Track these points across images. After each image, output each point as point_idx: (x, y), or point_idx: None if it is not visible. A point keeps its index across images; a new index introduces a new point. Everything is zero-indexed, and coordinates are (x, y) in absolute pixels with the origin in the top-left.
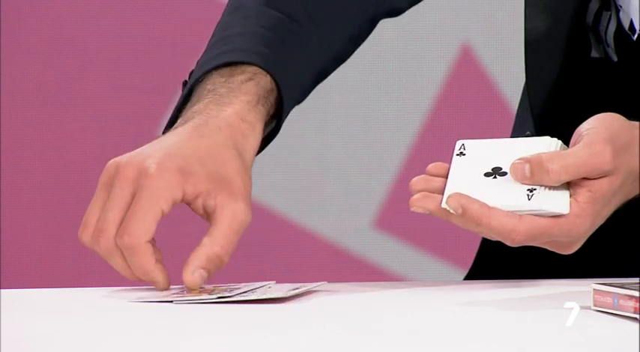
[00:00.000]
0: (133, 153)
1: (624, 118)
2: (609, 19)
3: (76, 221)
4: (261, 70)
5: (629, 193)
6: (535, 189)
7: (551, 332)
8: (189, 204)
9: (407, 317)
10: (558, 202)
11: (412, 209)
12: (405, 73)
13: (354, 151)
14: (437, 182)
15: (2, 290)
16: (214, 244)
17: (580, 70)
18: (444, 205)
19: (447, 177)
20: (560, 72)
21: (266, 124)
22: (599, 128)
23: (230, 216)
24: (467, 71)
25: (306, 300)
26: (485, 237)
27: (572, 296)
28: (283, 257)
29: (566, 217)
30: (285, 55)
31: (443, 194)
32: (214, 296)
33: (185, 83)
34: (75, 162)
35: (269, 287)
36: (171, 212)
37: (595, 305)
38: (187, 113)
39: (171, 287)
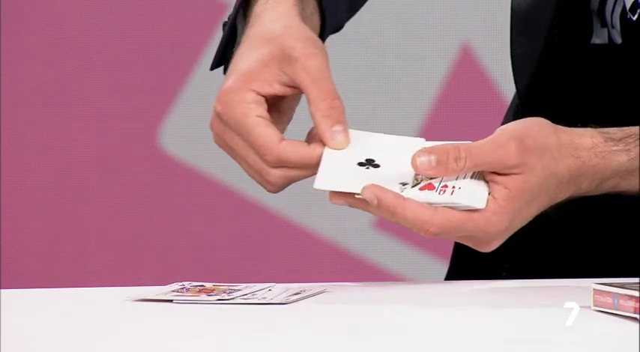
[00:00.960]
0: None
1: (548, 122)
2: (615, 1)
3: (76, 221)
4: None
5: (555, 197)
6: (459, 187)
7: (551, 332)
8: (270, 95)
9: (407, 317)
10: (474, 197)
11: (332, 201)
12: (405, 73)
13: None
14: None
15: (2, 290)
16: (319, 105)
17: (566, 56)
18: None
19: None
20: (544, 54)
21: None
22: (510, 128)
23: (304, 72)
24: (467, 71)
25: (306, 300)
26: (401, 226)
27: (572, 296)
28: (283, 257)
29: (482, 213)
30: None
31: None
32: (214, 298)
33: (225, 24)
34: (75, 162)
35: (269, 290)
36: (172, 211)
37: (595, 305)
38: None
39: (171, 285)
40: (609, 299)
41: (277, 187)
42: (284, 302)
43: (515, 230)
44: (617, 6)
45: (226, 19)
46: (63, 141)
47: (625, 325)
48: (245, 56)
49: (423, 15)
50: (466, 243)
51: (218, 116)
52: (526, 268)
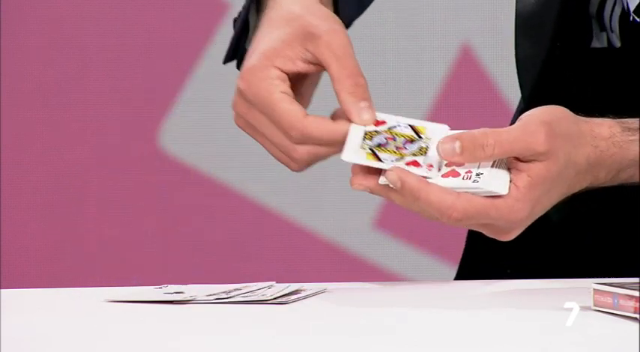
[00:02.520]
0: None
1: (569, 111)
2: (614, 4)
3: (76, 221)
4: None
5: (573, 186)
6: (482, 173)
7: (551, 332)
8: (293, 73)
9: (407, 317)
10: (498, 183)
11: (353, 187)
12: (405, 73)
13: None
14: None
15: (2, 290)
16: (342, 82)
17: (569, 59)
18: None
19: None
20: (548, 56)
21: None
22: (537, 113)
23: (328, 51)
24: (467, 71)
25: (306, 300)
26: (423, 215)
27: (572, 296)
28: (283, 257)
29: (505, 200)
30: None
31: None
32: (212, 297)
33: (235, 20)
34: (75, 162)
35: (269, 288)
36: (172, 211)
37: (595, 305)
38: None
39: (169, 286)
40: (609, 299)
41: (301, 164)
42: (284, 302)
43: (535, 218)
44: (615, 9)
45: (236, 16)
46: (63, 141)
47: (625, 325)
48: (267, 36)
49: (423, 15)
50: (486, 232)
51: (241, 94)
52: (526, 268)
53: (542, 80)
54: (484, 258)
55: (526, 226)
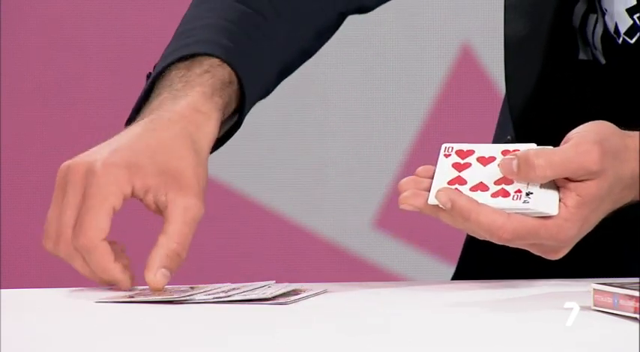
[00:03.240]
0: (84, 153)
1: (615, 126)
2: (596, 21)
3: None
4: (220, 62)
5: (617, 201)
6: (532, 193)
7: (551, 332)
8: (141, 199)
9: (406, 317)
10: (547, 203)
11: (401, 207)
12: (405, 73)
13: (354, 151)
14: (426, 183)
15: (2, 290)
16: (170, 242)
17: (563, 73)
18: (430, 201)
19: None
20: (540, 77)
21: (227, 118)
22: (588, 131)
23: (182, 212)
24: (467, 71)
25: (306, 300)
26: (472, 234)
27: (572, 296)
28: (283, 257)
29: (555, 220)
30: (248, 48)
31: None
32: (211, 296)
33: (149, 76)
34: None
35: (268, 287)
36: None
37: (595, 305)
38: (145, 111)
39: (167, 287)
40: (609, 299)
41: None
42: (284, 302)
43: (583, 235)
44: (597, 28)
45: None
46: (63, 141)
47: (625, 325)
48: (147, 138)
49: (423, 15)
50: (534, 251)
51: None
52: (526, 268)
53: (533, 93)
54: (482, 257)
55: (574, 243)
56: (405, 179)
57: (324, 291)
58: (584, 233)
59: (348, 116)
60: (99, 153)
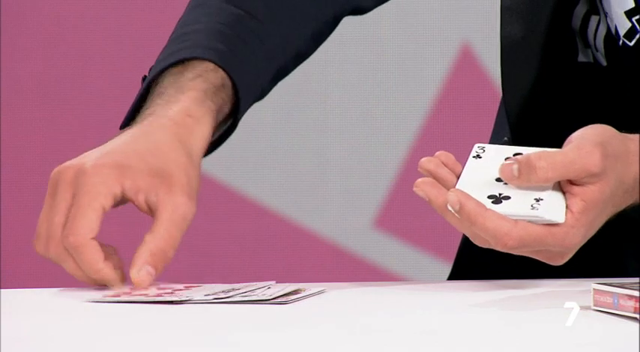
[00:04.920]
0: (75, 158)
1: (616, 130)
2: (598, 23)
3: None
4: (213, 65)
5: (620, 204)
6: (542, 200)
7: (551, 332)
8: (132, 201)
9: (406, 318)
10: (555, 211)
11: (415, 189)
12: (405, 73)
13: (354, 151)
14: (445, 171)
15: (2, 290)
16: (156, 239)
17: (561, 75)
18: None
19: (458, 178)
20: (537, 79)
21: (222, 121)
22: (590, 134)
23: (170, 210)
24: (467, 71)
25: (306, 300)
26: (475, 239)
27: (572, 296)
28: (283, 257)
29: (561, 227)
30: (242, 51)
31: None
32: (210, 297)
33: (144, 79)
34: None
35: (268, 288)
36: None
37: (595, 305)
38: (138, 117)
39: (166, 286)
40: (609, 299)
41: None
42: (284, 302)
43: (587, 240)
44: (599, 30)
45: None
46: (63, 141)
47: (625, 325)
48: (142, 141)
49: (423, 15)
50: (538, 257)
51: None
52: (526, 268)
53: (530, 95)
54: (480, 257)
55: (578, 249)
56: (427, 158)
57: (324, 291)
58: (589, 237)
59: (348, 116)
60: (89, 157)
